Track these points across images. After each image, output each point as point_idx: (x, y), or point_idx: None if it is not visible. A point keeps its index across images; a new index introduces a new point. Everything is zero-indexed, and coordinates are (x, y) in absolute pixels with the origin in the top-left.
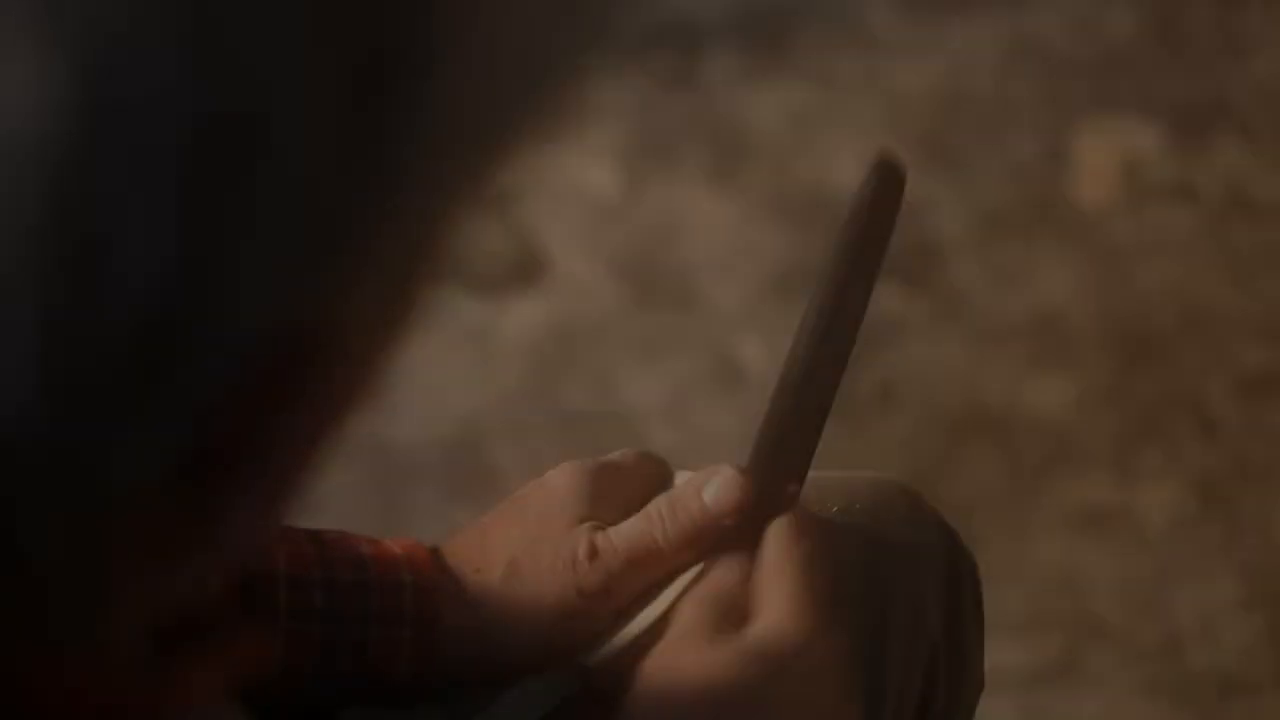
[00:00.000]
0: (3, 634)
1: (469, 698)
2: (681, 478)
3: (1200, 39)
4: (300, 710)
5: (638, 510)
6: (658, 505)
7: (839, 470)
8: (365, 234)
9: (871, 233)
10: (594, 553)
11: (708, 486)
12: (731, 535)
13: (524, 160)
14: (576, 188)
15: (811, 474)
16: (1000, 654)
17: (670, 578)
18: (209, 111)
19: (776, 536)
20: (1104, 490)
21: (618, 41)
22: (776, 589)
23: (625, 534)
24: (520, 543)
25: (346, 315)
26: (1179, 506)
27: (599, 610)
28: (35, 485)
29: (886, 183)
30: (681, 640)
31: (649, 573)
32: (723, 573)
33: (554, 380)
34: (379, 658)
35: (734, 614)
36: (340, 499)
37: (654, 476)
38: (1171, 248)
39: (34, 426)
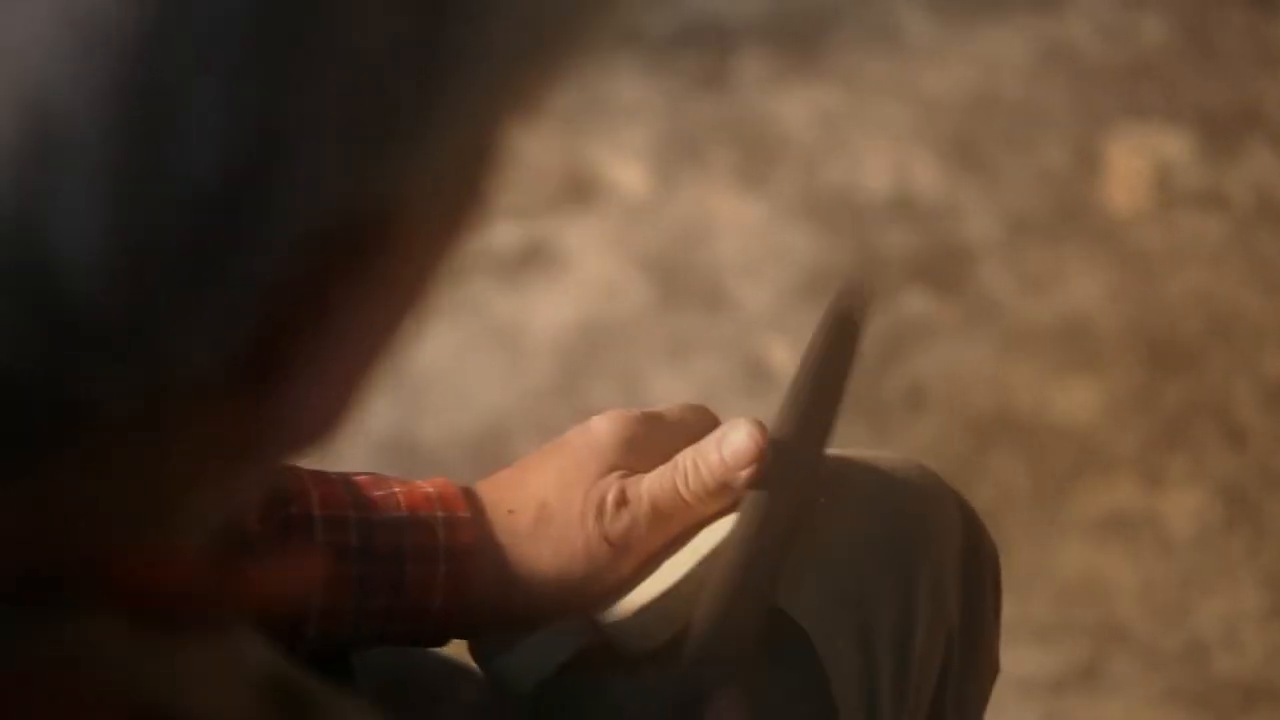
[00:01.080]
0: (79, 511)
1: (491, 638)
2: None
3: (1231, 47)
4: (335, 649)
5: None
6: (684, 456)
7: (863, 450)
8: (426, 117)
9: (827, 375)
10: (623, 500)
11: (725, 439)
12: (752, 489)
13: (573, 77)
14: (606, 186)
15: (838, 453)
16: (1024, 659)
17: (694, 531)
18: None
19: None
20: (1130, 496)
21: (648, 41)
22: None
23: (652, 483)
24: (554, 486)
25: (409, 202)
26: (1205, 513)
27: (624, 559)
28: (105, 356)
29: (841, 330)
30: None
31: (674, 522)
32: None
33: (581, 379)
34: (415, 594)
35: None
36: None
37: (697, 429)
38: (1200, 255)
39: (103, 294)
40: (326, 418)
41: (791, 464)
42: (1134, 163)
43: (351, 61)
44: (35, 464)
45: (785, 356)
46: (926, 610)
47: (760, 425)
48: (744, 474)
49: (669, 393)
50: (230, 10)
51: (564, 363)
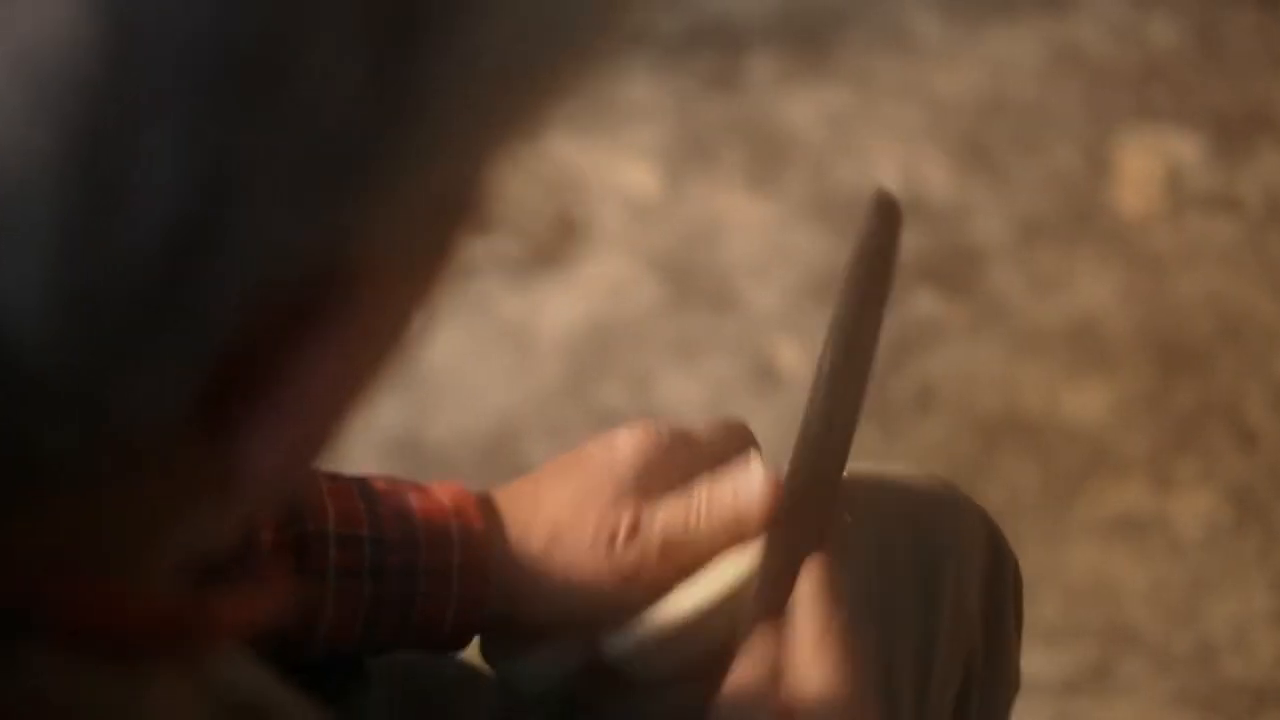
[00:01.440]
0: (31, 555)
1: (497, 645)
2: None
3: (1242, 49)
4: (343, 659)
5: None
6: (699, 492)
7: (888, 467)
8: (391, 167)
9: (877, 267)
10: (634, 532)
11: (740, 487)
12: (763, 532)
13: (553, 116)
14: (616, 187)
15: (863, 470)
16: (1033, 661)
17: (704, 562)
18: (237, 34)
19: (806, 609)
20: (1139, 498)
21: (659, 41)
22: (815, 667)
23: (664, 516)
24: (567, 507)
25: (374, 252)
26: (1215, 516)
27: (631, 589)
28: (53, 411)
29: (886, 218)
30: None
31: (684, 554)
32: (761, 648)
33: (590, 379)
34: (425, 613)
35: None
36: None
37: (726, 453)
38: (1211, 257)
39: (50, 349)
40: (286, 468)
41: (808, 500)
42: (1144, 164)
43: (310, 110)
44: None
45: (794, 356)
46: (948, 628)
47: (775, 481)
48: (754, 524)
49: (678, 393)
50: (180, 62)
51: (573, 363)
